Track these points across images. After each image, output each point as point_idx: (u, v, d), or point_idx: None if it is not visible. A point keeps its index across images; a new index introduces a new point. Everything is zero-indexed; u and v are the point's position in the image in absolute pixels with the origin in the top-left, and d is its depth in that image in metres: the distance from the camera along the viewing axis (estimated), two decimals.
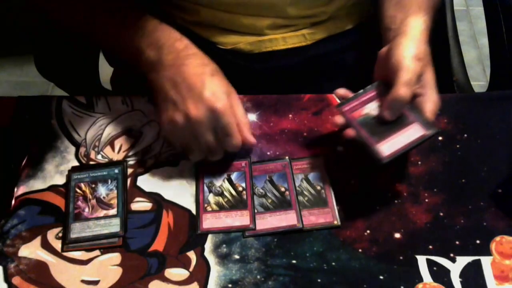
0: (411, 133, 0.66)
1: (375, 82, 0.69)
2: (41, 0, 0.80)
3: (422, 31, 0.69)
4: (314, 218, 0.68)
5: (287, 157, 0.73)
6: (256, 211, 0.69)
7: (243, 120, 0.69)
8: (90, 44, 0.91)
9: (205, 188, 0.71)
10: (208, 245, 0.66)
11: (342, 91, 0.71)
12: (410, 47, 0.66)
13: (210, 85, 0.66)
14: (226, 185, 0.71)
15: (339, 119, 0.68)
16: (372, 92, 0.69)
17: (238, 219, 0.68)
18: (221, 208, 0.69)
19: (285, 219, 0.68)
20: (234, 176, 0.72)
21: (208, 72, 0.68)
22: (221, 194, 0.70)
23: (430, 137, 0.66)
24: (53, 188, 0.71)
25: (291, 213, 0.68)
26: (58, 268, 0.65)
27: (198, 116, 0.66)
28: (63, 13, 0.80)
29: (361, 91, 0.69)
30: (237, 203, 0.69)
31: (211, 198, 0.70)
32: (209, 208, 0.69)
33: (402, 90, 0.64)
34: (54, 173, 0.73)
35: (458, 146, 0.74)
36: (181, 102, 0.67)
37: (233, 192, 0.70)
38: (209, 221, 0.68)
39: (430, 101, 0.67)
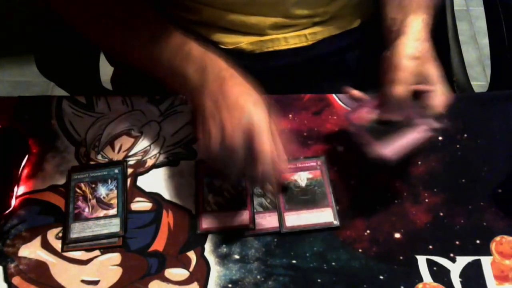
0: (414, 133, 0.66)
1: (381, 89, 0.70)
2: (64, 10, 0.80)
3: (420, 30, 0.69)
4: (314, 218, 0.68)
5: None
6: (255, 211, 0.69)
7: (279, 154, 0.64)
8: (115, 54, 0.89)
9: (205, 188, 0.70)
10: (208, 245, 0.66)
11: (354, 92, 0.71)
12: (407, 46, 0.68)
13: (251, 110, 0.64)
14: (226, 185, 0.71)
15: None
16: (378, 98, 0.69)
17: (238, 219, 0.68)
18: (220, 208, 0.69)
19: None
20: None
21: (250, 100, 0.65)
22: (221, 194, 0.70)
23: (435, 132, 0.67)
24: (53, 188, 0.71)
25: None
26: (58, 268, 0.65)
27: (233, 127, 0.63)
28: (87, 25, 0.79)
29: (368, 98, 0.70)
30: (237, 203, 0.69)
31: (211, 198, 0.70)
32: (208, 208, 0.69)
33: (400, 88, 0.65)
34: (54, 173, 0.73)
35: (458, 146, 0.74)
36: (217, 113, 0.65)
37: (233, 192, 0.70)
38: (208, 221, 0.68)
39: (438, 95, 0.67)
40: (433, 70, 0.68)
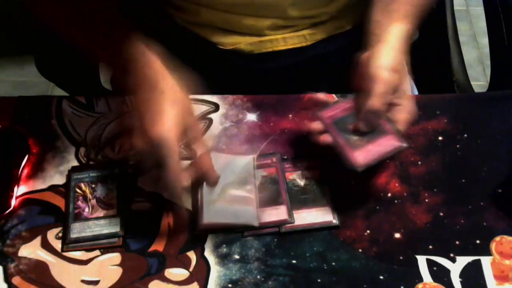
0: (386, 144, 0.65)
1: (354, 93, 0.69)
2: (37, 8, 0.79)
3: (401, 40, 0.68)
4: (313, 217, 0.68)
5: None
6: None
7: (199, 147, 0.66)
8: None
9: (204, 187, 0.70)
10: (208, 245, 0.66)
11: (322, 95, 0.71)
12: (388, 57, 0.66)
13: (159, 116, 0.63)
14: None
15: (316, 125, 0.68)
16: (351, 101, 0.69)
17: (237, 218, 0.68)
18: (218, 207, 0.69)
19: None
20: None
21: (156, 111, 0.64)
22: (217, 193, 0.70)
23: (402, 150, 0.66)
24: (53, 188, 0.71)
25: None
26: (58, 268, 0.65)
27: (141, 147, 0.63)
28: (57, 21, 0.79)
29: (341, 99, 0.70)
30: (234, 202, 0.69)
31: (207, 197, 0.69)
32: (205, 207, 0.69)
33: (377, 101, 0.64)
34: (54, 173, 0.73)
35: (458, 146, 0.74)
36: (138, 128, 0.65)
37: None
38: (206, 220, 0.68)
39: (405, 112, 0.67)
40: (405, 85, 0.67)
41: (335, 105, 0.70)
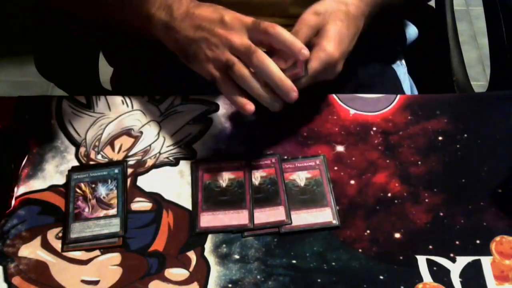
0: (290, 75, 0.69)
1: None
2: None
3: None
4: (313, 217, 0.68)
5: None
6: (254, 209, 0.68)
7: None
8: (93, 23, 0.90)
9: (203, 187, 0.70)
10: (208, 245, 0.66)
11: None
12: (317, 3, 0.71)
13: (229, 13, 0.70)
14: (225, 183, 0.71)
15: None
16: None
17: (236, 218, 0.68)
18: (219, 207, 0.69)
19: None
20: (232, 175, 0.71)
21: (220, 8, 0.71)
22: (218, 193, 0.70)
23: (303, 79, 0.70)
24: (53, 188, 0.71)
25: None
26: (58, 268, 0.65)
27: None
28: None
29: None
30: (235, 202, 0.69)
31: (209, 197, 0.70)
32: (206, 207, 0.69)
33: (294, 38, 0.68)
34: (54, 173, 0.73)
35: (458, 146, 0.74)
36: (214, 36, 0.70)
37: (232, 191, 0.70)
38: (207, 220, 0.68)
39: (321, 50, 0.69)
40: (331, 28, 0.70)
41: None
